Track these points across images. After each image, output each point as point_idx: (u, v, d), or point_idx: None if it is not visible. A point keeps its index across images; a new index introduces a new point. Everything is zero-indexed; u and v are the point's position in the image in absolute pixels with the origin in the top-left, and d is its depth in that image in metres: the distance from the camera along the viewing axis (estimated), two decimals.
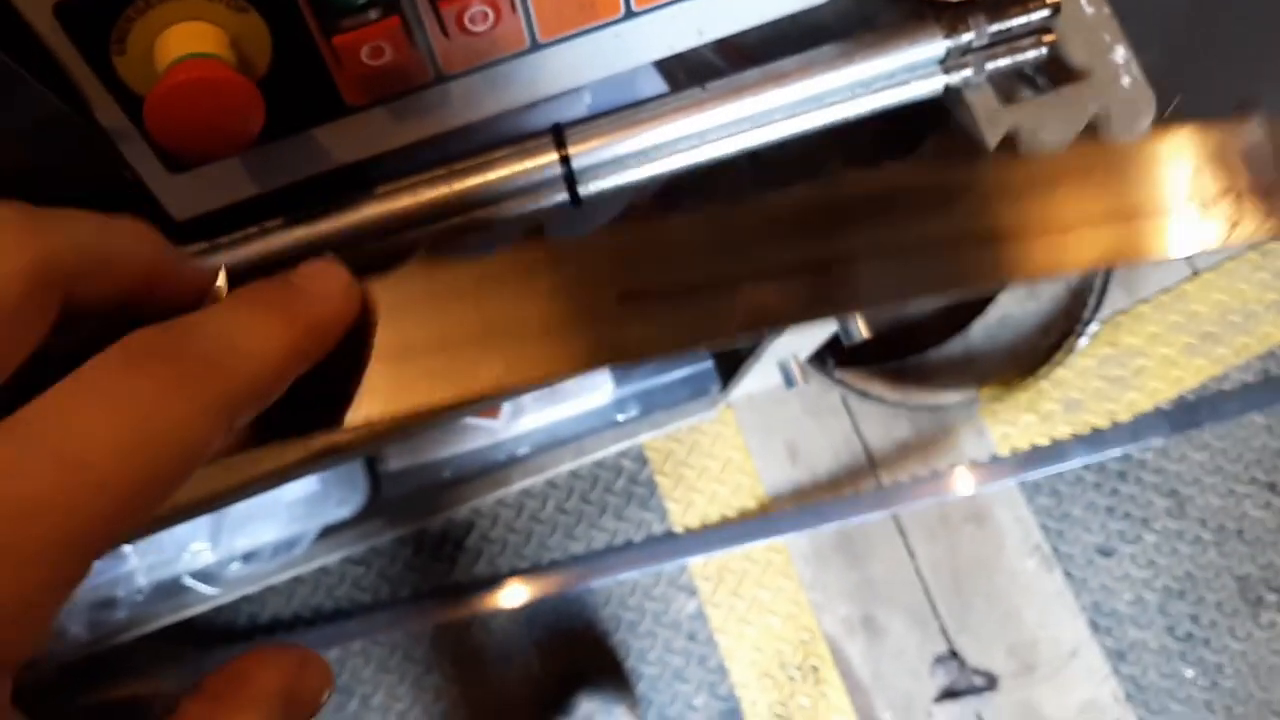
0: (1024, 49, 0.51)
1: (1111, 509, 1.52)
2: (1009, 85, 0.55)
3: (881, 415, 1.55)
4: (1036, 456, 1.53)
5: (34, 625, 0.19)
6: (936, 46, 0.50)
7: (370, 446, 1.02)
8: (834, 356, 1.50)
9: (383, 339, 0.29)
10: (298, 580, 1.52)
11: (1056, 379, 1.54)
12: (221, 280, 0.29)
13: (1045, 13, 0.50)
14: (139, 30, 0.38)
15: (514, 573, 1.52)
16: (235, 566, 1.34)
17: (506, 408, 1.33)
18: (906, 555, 1.51)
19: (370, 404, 0.28)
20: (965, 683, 1.47)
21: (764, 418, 1.56)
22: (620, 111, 0.50)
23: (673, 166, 0.51)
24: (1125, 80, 0.54)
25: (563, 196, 0.51)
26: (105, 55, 0.39)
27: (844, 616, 1.50)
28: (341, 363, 0.28)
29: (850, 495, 1.52)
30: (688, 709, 1.48)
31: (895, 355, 1.51)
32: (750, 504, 1.54)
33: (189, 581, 1.34)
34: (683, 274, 0.29)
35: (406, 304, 0.29)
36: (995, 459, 1.53)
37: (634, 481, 1.56)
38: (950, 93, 0.53)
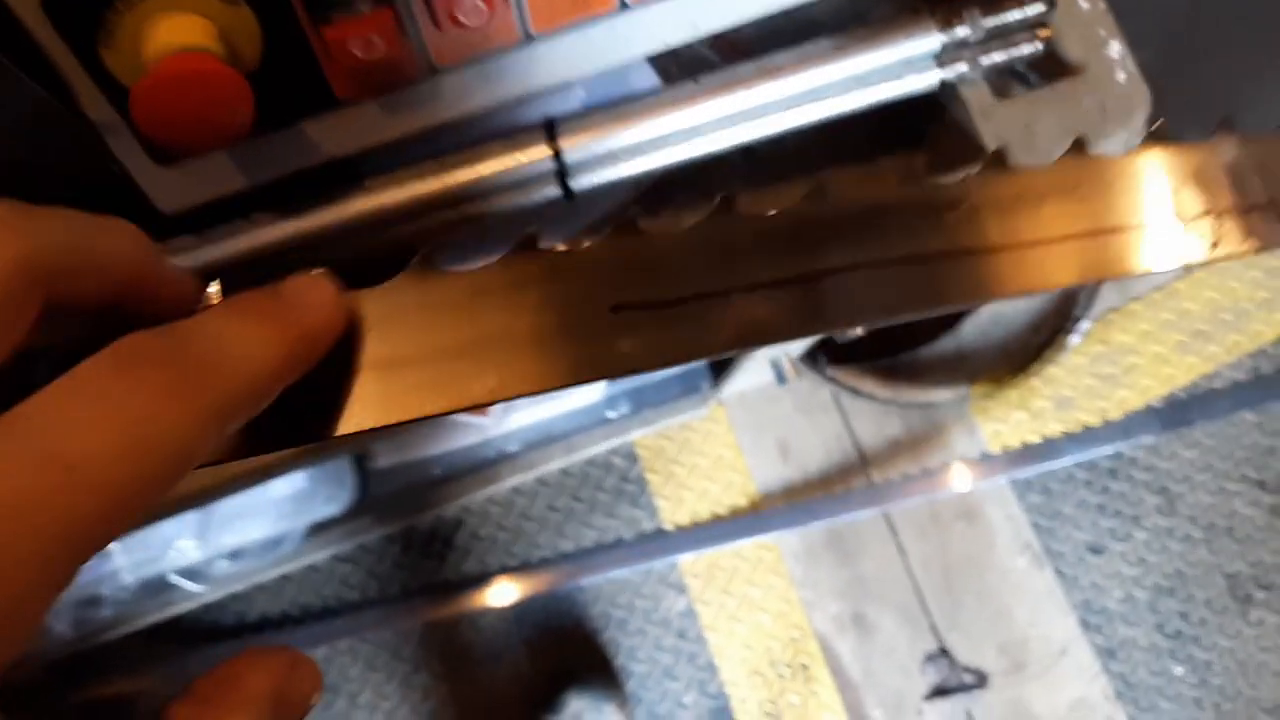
0: (1019, 44, 0.51)
1: (1102, 507, 1.52)
2: (1003, 83, 0.55)
3: (873, 412, 1.55)
4: (1028, 454, 1.52)
5: (21, 627, 0.19)
6: (932, 41, 0.50)
7: (358, 443, 1.02)
8: (826, 353, 1.50)
9: (374, 350, 0.28)
10: (285, 578, 1.51)
11: (1048, 376, 1.54)
12: (215, 288, 0.29)
13: (1041, 8, 0.50)
14: (127, 22, 0.38)
15: (503, 570, 1.52)
16: (222, 564, 1.33)
17: (497, 405, 1.32)
18: (897, 553, 1.51)
19: (361, 414, 0.28)
20: (956, 680, 1.47)
21: (755, 415, 1.56)
22: (614, 105, 0.50)
23: (666, 161, 0.51)
24: (1120, 76, 0.53)
25: (554, 191, 0.50)
26: (92, 47, 0.39)
27: (834, 614, 1.50)
28: (329, 374, 0.28)
29: (841, 493, 1.52)
30: (677, 707, 1.48)
31: (887, 352, 1.51)
32: (741, 501, 1.54)
33: (175, 579, 1.33)
34: (674, 287, 0.29)
35: (398, 315, 0.29)
36: (986, 456, 1.53)
37: (624, 479, 1.55)
38: (945, 88, 0.52)
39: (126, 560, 1.28)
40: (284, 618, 1.53)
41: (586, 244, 0.29)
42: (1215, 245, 0.31)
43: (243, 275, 0.50)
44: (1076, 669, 1.47)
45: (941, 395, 1.52)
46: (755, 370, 1.37)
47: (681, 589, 1.51)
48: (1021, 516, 1.52)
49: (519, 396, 0.28)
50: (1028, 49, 0.51)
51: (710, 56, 0.56)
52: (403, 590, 1.53)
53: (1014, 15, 0.50)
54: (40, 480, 0.19)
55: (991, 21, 0.50)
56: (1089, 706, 1.46)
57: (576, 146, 0.49)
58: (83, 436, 0.20)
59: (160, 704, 0.22)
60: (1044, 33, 0.51)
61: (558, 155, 0.49)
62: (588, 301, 0.29)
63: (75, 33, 0.38)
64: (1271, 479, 1.52)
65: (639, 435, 1.46)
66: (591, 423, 1.40)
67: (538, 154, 0.49)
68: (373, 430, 0.28)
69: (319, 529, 1.35)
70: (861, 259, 0.29)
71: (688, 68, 0.53)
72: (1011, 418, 1.55)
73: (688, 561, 1.52)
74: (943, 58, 0.51)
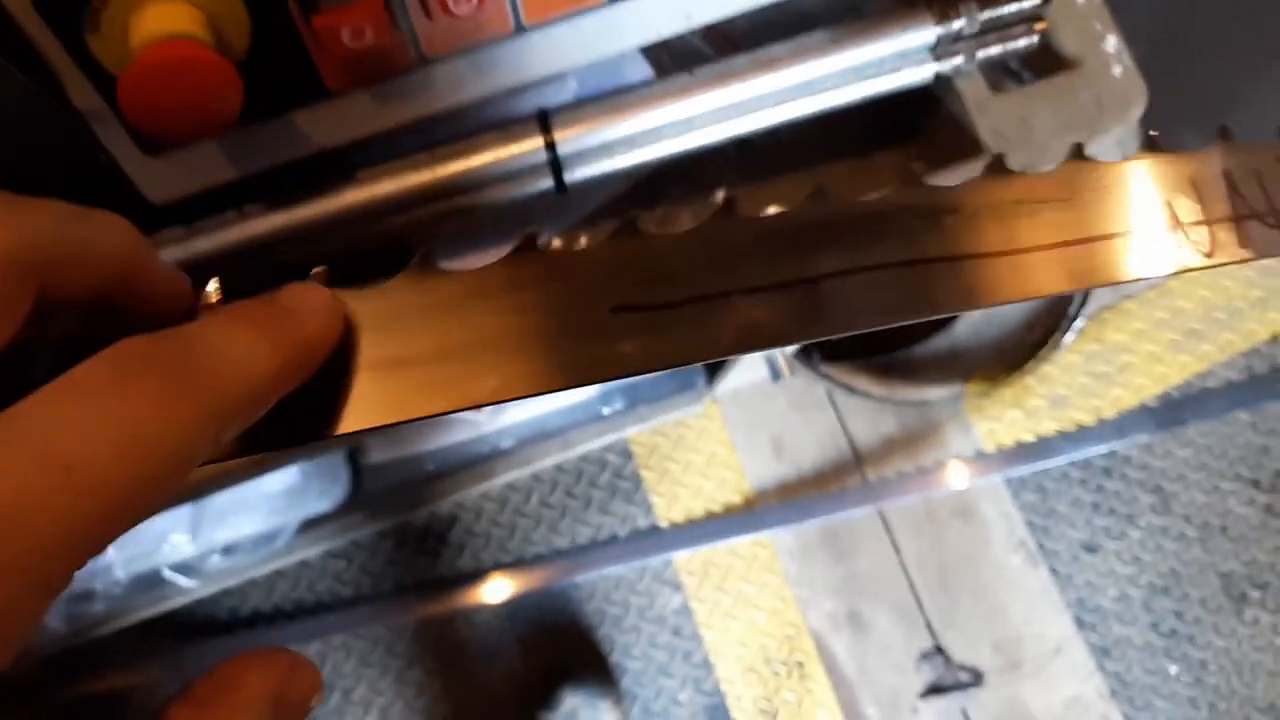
0: (1015, 37, 0.51)
1: (1097, 505, 1.52)
2: (998, 77, 0.55)
3: (867, 410, 1.55)
4: (1022, 452, 1.52)
5: (18, 629, 0.19)
6: (928, 33, 0.49)
7: (353, 439, 1.01)
8: (820, 351, 1.50)
9: (375, 349, 0.28)
10: (278, 574, 1.51)
11: (1042, 375, 1.54)
12: (214, 286, 0.29)
13: (1037, 0, 0.49)
14: (113, 9, 0.37)
15: (497, 567, 1.51)
16: (215, 559, 1.33)
17: None
18: (892, 550, 1.51)
19: (362, 414, 0.28)
20: (951, 679, 1.47)
21: (749, 412, 1.56)
22: (607, 97, 0.50)
23: (660, 153, 0.51)
24: (1116, 70, 0.53)
25: (548, 183, 0.50)
26: (79, 34, 0.38)
27: (829, 612, 1.50)
28: (330, 374, 0.28)
29: (836, 490, 1.52)
30: (672, 704, 1.47)
31: (881, 350, 1.51)
32: (735, 499, 1.53)
33: (168, 574, 1.33)
34: (674, 289, 0.29)
35: (399, 315, 0.29)
36: (981, 454, 1.53)
37: (619, 476, 1.55)
38: (940, 81, 0.52)
39: (119, 555, 1.28)
40: (277, 613, 1.52)
41: (587, 245, 0.29)
42: (1210, 254, 0.31)
43: (234, 267, 0.50)
44: (1071, 667, 1.47)
45: (936, 393, 1.52)
46: (750, 367, 1.37)
47: (676, 586, 1.51)
48: (1016, 515, 1.52)
49: (519, 398, 0.28)
50: (1024, 42, 0.51)
51: (704, 49, 0.56)
52: (396, 586, 1.52)
53: (1010, 8, 0.49)
54: (40, 481, 0.19)
55: (987, 14, 0.49)
56: (1084, 705, 1.46)
57: (570, 138, 0.49)
58: (82, 438, 0.19)
59: (157, 703, 0.22)
60: (1040, 26, 0.51)
61: (551, 147, 0.49)
62: (588, 303, 0.29)
63: (61, 20, 0.38)
64: (1266, 478, 1.51)
65: (634, 432, 1.46)
66: (586, 419, 1.40)
67: (531, 145, 0.49)
68: (373, 430, 0.28)
69: (312, 524, 1.35)
70: (860, 263, 0.29)
71: (681, 60, 0.53)
72: (1006, 416, 1.55)
73: (682, 559, 1.52)
74: (938, 51, 0.50)
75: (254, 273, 0.50)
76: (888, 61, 0.50)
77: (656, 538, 1.52)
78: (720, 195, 0.57)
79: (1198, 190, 0.31)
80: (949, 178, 0.52)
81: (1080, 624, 1.48)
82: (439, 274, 0.29)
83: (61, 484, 0.19)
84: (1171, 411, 1.53)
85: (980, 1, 0.49)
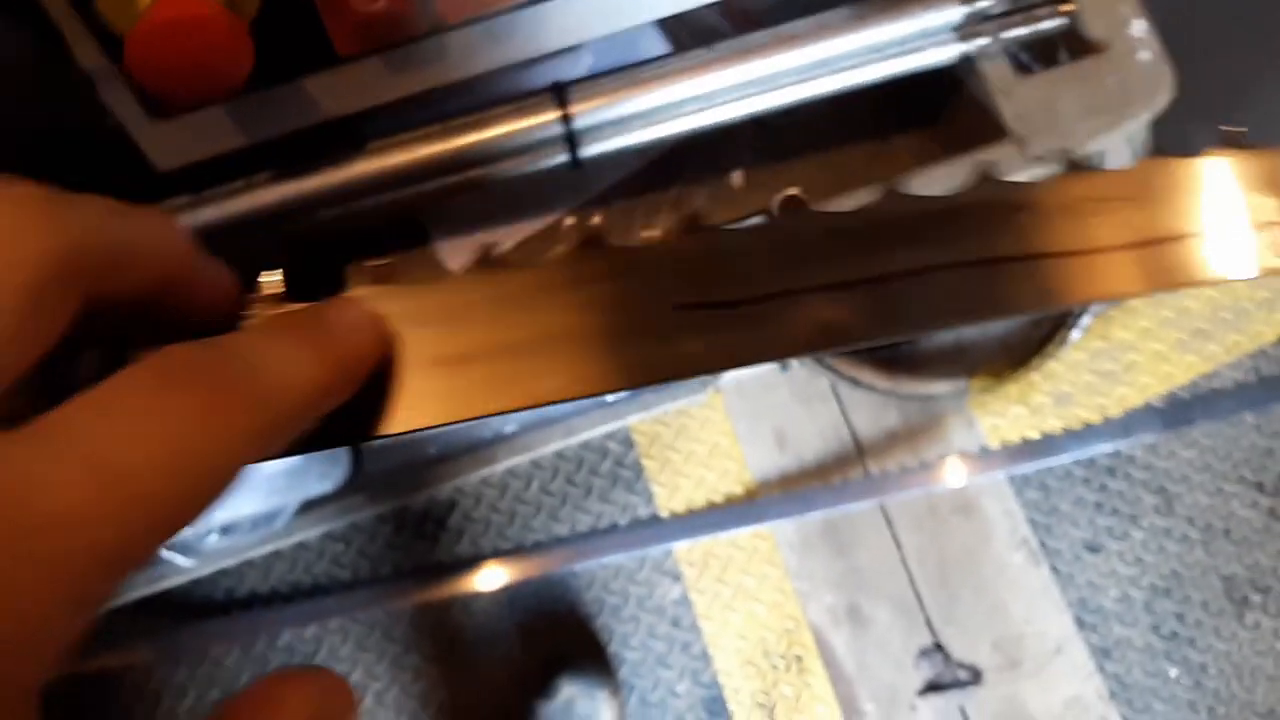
0: (1042, 18, 0.50)
1: (1100, 505, 1.51)
2: (1023, 59, 0.54)
3: (870, 403, 1.54)
4: (1026, 449, 1.51)
5: (54, 646, 0.18)
6: (953, 12, 0.49)
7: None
8: None
9: (435, 346, 0.28)
10: (276, 555, 1.50)
11: (1047, 372, 1.53)
12: (278, 277, 0.28)
13: None
14: None
15: (496, 554, 1.50)
16: (213, 539, 1.32)
17: None
18: (893, 545, 1.50)
19: (424, 410, 0.28)
20: (950, 676, 1.46)
21: (752, 403, 1.55)
22: (624, 70, 0.49)
23: (677, 130, 0.50)
24: (1144, 55, 0.52)
25: (562, 158, 0.49)
26: None
27: (829, 606, 1.49)
28: (385, 373, 0.28)
29: (838, 483, 1.51)
30: (670, 695, 1.47)
31: (886, 343, 1.50)
32: (736, 490, 1.53)
33: (165, 553, 1.32)
34: (741, 287, 0.28)
35: (462, 310, 0.28)
36: (984, 451, 1.52)
37: (620, 464, 1.54)
38: (964, 63, 0.51)
39: None
40: (274, 595, 1.52)
41: (653, 241, 0.29)
42: None
43: (241, 237, 0.49)
44: (1071, 668, 1.46)
45: (940, 388, 1.51)
46: None
47: (676, 576, 1.50)
48: (1018, 512, 1.51)
49: (582, 396, 0.28)
50: (1050, 24, 0.50)
51: (722, 25, 0.55)
52: (395, 571, 1.51)
53: None
54: (85, 491, 0.18)
55: None
56: (1083, 706, 1.45)
57: (586, 112, 0.48)
58: (128, 448, 0.19)
59: (151, 685, 0.21)
60: (1067, 7, 0.50)
61: (567, 120, 0.48)
62: (653, 300, 0.28)
63: None
64: (1270, 481, 1.51)
65: (636, 420, 1.45)
66: (589, 405, 1.39)
67: (546, 118, 0.48)
68: (432, 429, 0.28)
69: (311, 506, 1.34)
70: (933, 261, 0.29)
71: (699, 37, 0.52)
72: (1010, 412, 1.54)
73: (683, 549, 1.51)
74: (963, 31, 0.49)
75: (262, 244, 0.49)
76: (911, 40, 0.49)
77: (657, 527, 1.51)
78: (737, 176, 0.56)
79: (1276, 189, 0.30)
80: (973, 164, 0.51)
81: (1081, 624, 1.47)
82: (502, 268, 0.28)
83: (107, 495, 0.18)
84: (1178, 411, 1.52)
85: None
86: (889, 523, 1.50)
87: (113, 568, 0.18)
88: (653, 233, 0.29)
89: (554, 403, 0.28)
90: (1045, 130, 0.52)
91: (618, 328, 0.28)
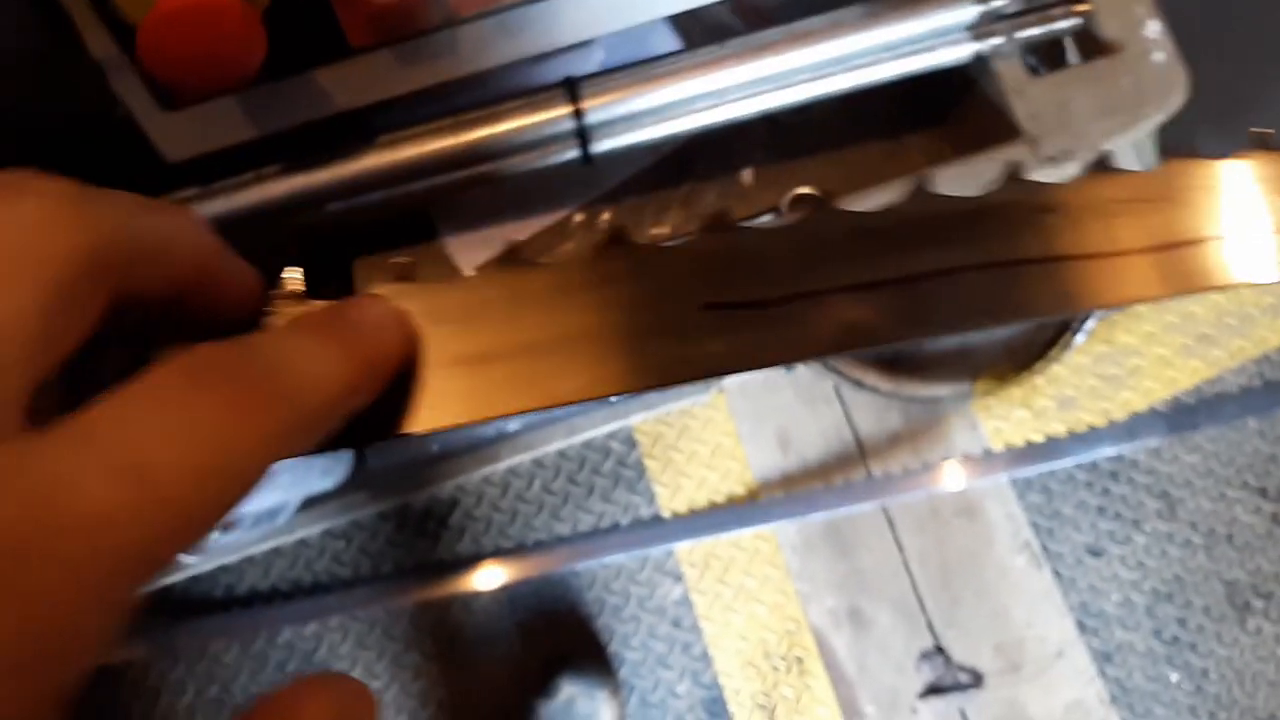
0: (1056, 18, 0.50)
1: (1102, 509, 1.51)
2: (1036, 60, 0.54)
3: (874, 405, 1.54)
4: (1029, 453, 1.51)
5: (84, 650, 0.18)
6: (967, 11, 0.48)
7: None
8: None
9: (457, 345, 0.28)
10: (276, 552, 1.50)
11: (1051, 375, 1.53)
12: (298, 274, 0.28)
13: None
14: None
15: (497, 552, 1.50)
16: (214, 535, 1.32)
17: None
18: (895, 547, 1.50)
19: (446, 409, 0.28)
20: (951, 679, 1.46)
21: (755, 403, 1.54)
22: (637, 66, 0.48)
23: (689, 126, 0.49)
24: (1158, 56, 0.52)
25: (574, 153, 0.49)
26: None
27: (830, 608, 1.49)
28: (406, 372, 0.27)
29: (840, 485, 1.51)
30: (670, 696, 1.46)
31: (911, 344, 1.50)
32: (739, 490, 1.52)
33: None
34: (767, 287, 0.28)
35: (484, 309, 0.28)
36: (987, 454, 1.52)
37: (622, 464, 1.54)
38: (978, 62, 0.51)
39: None
40: (274, 592, 1.51)
41: (677, 240, 0.28)
42: None
43: (251, 230, 0.49)
44: (1073, 671, 1.46)
45: (944, 390, 1.51)
46: None
47: (678, 577, 1.50)
48: (1021, 515, 1.51)
49: (606, 396, 0.28)
50: (1065, 24, 0.50)
51: (733, 22, 0.55)
52: (395, 568, 1.51)
53: None
54: (114, 492, 0.18)
55: None
56: (1084, 710, 1.45)
57: (599, 107, 0.47)
58: (157, 449, 0.19)
59: (150, 680, 0.21)
60: (1082, 7, 0.50)
61: (579, 115, 0.47)
62: (677, 300, 0.28)
63: None
64: (1272, 487, 1.51)
65: (639, 419, 1.45)
66: (592, 404, 1.39)
67: (558, 113, 0.47)
68: (452, 428, 0.28)
69: (312, 503, 1.34)
70: (960, 262, 0.28)
71: (712, 34, 0.52)
72: (1013, 415, 1.54)
73: (684, 549, 1.51)
74: (977, 30, 0.49)
75: (270, 237, 0.49)
76: (925, 39, 0.49)
77: (658, 527, 1.51)
78: (748, 174, 0.56)
79: None
80: (988, 163, 0.51)
81: (1082, 628, 1.47)
82: (526, 267, 0.28)
83: (136, 497, 0.18)
84: (1184, 416, 1.52)
85: None
86: (891, 525, 1.50)
87: (140, 569, 0.18)
88: (663, 229, 0.29)
89: (575, 403, 0.28)
90: (1058, 131, 0.52)
91: (640, 328, 0.28)
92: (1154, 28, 0.52)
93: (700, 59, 0.48)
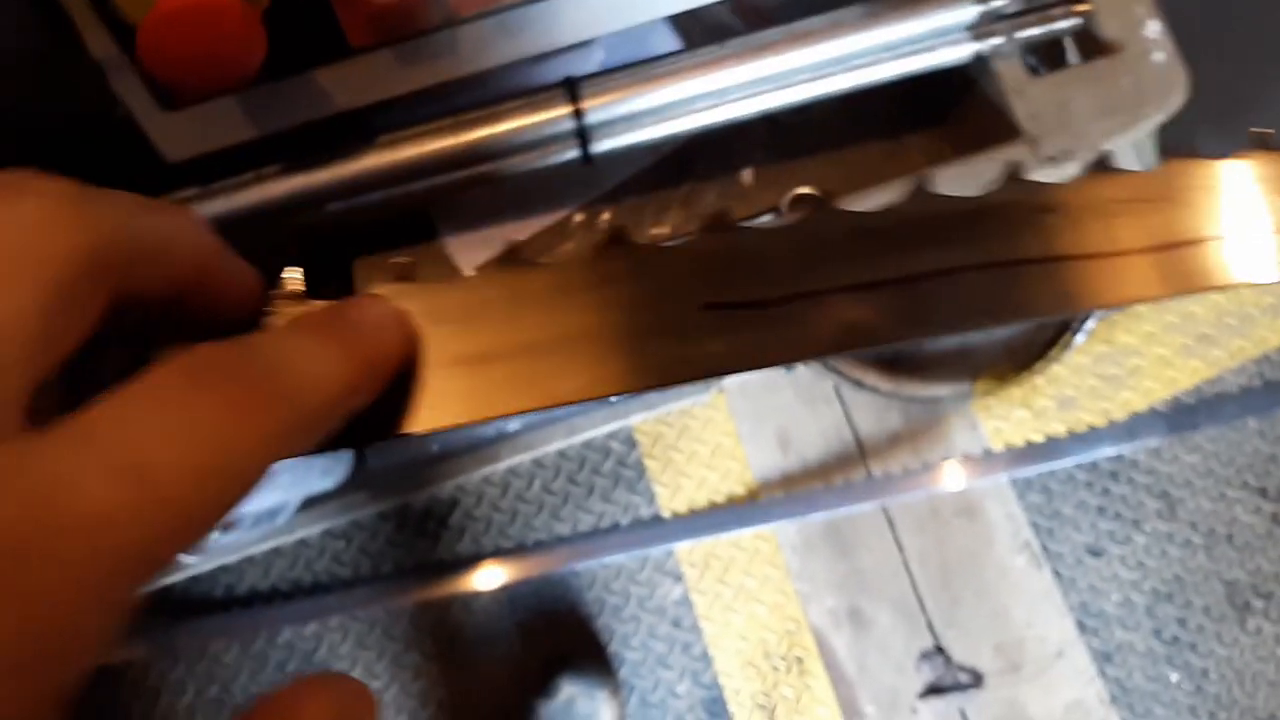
0: (1056, 18, 0.50)
1: (1102, 509, 1.51)
2: (1036, 60, 0.54)
3: (874, 405, 1.54)
4: (1029, 453, 1.51)
5: (88, 646, 0.18)
6: (967, 11, 0.48)
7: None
8: None
9: (456, 345, 0.28)
10: (276, 552, 1.50)
11: (1051, 375, 1.52)
12: (298, 274, 0.28)
13: None
14: None
15: (497, 552, 1.50)
16: (214, 535, 1.32)
17: None
18: (895, 547, 1.50)
19: (445, 410, 0.28)
20: (951, 679, 1.46)
21: (755, 403, 1.54)
22: (637, 66, 0.48)
23: (689, 126, 0.49)
24: (1158, 56, 0.52)
25: (573, 153, 0.49)
26: None
27: (830, 608, 1.49)
28: (405, 372, 0.27)
29: (840, 485, 1.51)
30: (670, 696, 1.46)
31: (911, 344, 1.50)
32: (739, 490, 1.52)
33: None
34: (768, 287, 0.28)
35: (483, 309, 0.28)
36: (987, 454, 1.52)
37: (622, 464, 1.54)
38: (978, 62, 0.51)
39: None
40: (274, 592, 1.51)
41: (677, 240, 0.28)
42: None
43: (250, 231, 0.49)
44: (1073, 671, 1.46)
45: (944, 390, 1.51)
46: None
47: (678, 577, 1.50)
48: (1021, 515, 1.51)
49: (606, 396, 0.28)
50: (1065, 24, 0.50)
51: (733, 23, 0.55)
52: (395, 568, 1.51)
53: None
54: (115, 493, 0.18)
55: None
56: (1084, 710, 1.45)
57: (599, 107, 0.47)
58: (157, 449, 0.19)
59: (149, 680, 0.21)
60: (1082, 7, 0.50)
61: (579, 115, 0.47)
62: (677, 300, 0.28)
63: None
64: (1272, 487, 1.50)
65: (639, 419, 1.45)
66: (592, 404, 1.39)
67: (558, 113, 0.47)
68: (451, 428, 0.28)
69: (312, 503, 1.34)
70: (960, 262, 0.28)
71: (712, 35, 0.52)
72: (1013, 415, 1.53)
73: (684, 549, 1.51)
74: (978, 29, 0.49)
75: (270, 237, 0.49)
76: (925, 39, 0.49)
77: (658, 527, 1.51)
78: (748, 174, 0.56)
79: None
80: (988, 163, 0.51)
81: (1082, 628, 1.47)
82: (525, 266, 0.28)
83: (136, 498, 0.18)
84: (1185, 416, 1.52)
85: None
86: (891, 525, 1.50)
87: (140, 569, 0.18)
88: (663, 229, 0.29)
89: (575, 403, 0.28)
90: (1058, 130, 0.51)
91: (640, 328, 0.28)
92: (1154, 28, 0.52)
93: (701, 59, 0.48)
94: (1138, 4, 0.52)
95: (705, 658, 1.47)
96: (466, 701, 1.47)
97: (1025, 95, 0.52)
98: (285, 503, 1.27)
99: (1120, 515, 1.50)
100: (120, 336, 0.23)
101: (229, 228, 0.48)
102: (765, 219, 0.48)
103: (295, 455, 0.22)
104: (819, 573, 1.49)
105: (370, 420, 0.26)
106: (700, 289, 0.28)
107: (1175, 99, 0.52)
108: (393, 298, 0.27)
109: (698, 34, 0.54)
